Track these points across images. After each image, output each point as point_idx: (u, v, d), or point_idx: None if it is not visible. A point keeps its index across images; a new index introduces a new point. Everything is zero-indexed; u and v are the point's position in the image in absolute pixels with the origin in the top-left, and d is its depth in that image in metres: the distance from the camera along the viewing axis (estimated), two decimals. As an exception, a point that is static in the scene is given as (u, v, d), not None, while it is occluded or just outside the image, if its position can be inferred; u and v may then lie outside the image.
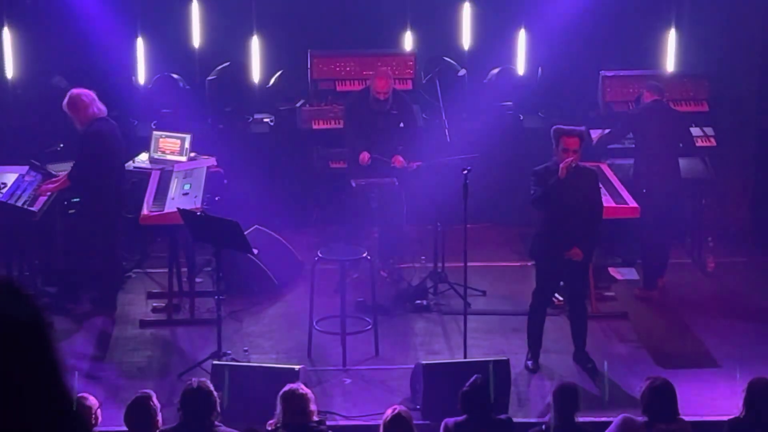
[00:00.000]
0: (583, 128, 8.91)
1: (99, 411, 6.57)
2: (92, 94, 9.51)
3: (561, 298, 9.40)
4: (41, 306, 1.76)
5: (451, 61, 11.91)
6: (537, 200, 8.49)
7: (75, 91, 9.52)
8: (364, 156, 10.11)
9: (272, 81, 11.90)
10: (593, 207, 8.65)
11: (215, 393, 6.47)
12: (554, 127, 8.72)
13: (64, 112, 9.50)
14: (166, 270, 9.70)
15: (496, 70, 11.91)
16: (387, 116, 10.24)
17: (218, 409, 6.43)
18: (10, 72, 11.39)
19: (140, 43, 11.67)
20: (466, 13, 12.02)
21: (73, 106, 9.44)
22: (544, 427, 6.75)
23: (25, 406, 1.65)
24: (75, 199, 10.14)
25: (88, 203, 9.70)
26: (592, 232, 8.66)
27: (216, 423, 6.44)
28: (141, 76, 11.72)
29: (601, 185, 9.44)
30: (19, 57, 11.39)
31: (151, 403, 6.41)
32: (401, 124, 10.32)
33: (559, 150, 8.48)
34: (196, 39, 11.88)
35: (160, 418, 6.41)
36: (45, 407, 1.68)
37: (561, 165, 8.39)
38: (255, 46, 11.89)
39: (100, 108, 9.48)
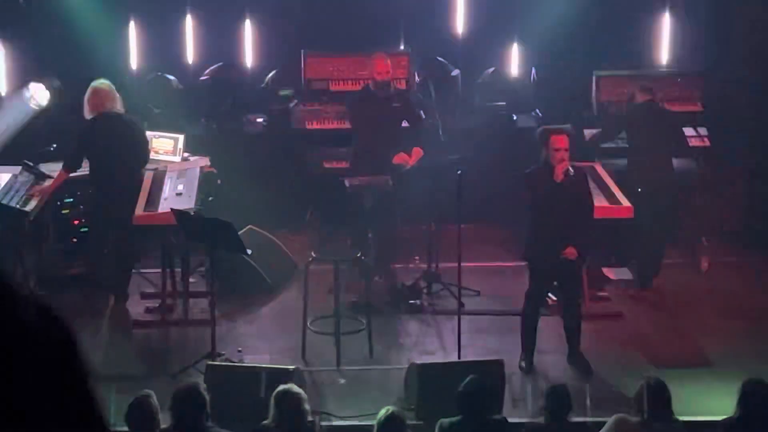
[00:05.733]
0: (569, 126, 8.91)
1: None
2: (103, 91, 9.47)
3: (555, 299, 9.40)
4: (67, 323, 1.70)
5: (444, 62, 11.90)
6: (534, 207, 8.51)
7: (94, 84, 9.57)
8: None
9: (266, 81, 11.88)
10: (584, 206, 8.65)
11: (205, 394, 6.45)
12: (540, 128, 8.74)
13: (58, 112, 9.51)
14: (160, 270, 9.69)
15: (489, 71, 11.92)
16: (390, 106, 10.20)
17: (208, 409, 6.41)
18: (3, 71, 11.36)
19: (133, 39, 11.65)
20: (460, 13, 12.01)
21: (86, 97, 9.50)
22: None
23: (54, 426, 1.63)
24: (68, 200, 10.11)
25: (93, 197, 9.77)
26: (585, 231, 8.65)
27: (209, 424, 6.42)
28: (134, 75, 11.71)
29: (594, 184, 9.45)
30: (13, 58, 11.35)
31: (152, 402, 6.40)
32: (404, 123, 10.31)
33: (549, 150, 8.47)
34: (189, 39, 11.85)
35: (160, 418, 6.40)
36: (75, 426, 1.65)
37: (557, 169, 8.38)
38: (248, 45, 11.87)
39: (98, 109, 9.43)
